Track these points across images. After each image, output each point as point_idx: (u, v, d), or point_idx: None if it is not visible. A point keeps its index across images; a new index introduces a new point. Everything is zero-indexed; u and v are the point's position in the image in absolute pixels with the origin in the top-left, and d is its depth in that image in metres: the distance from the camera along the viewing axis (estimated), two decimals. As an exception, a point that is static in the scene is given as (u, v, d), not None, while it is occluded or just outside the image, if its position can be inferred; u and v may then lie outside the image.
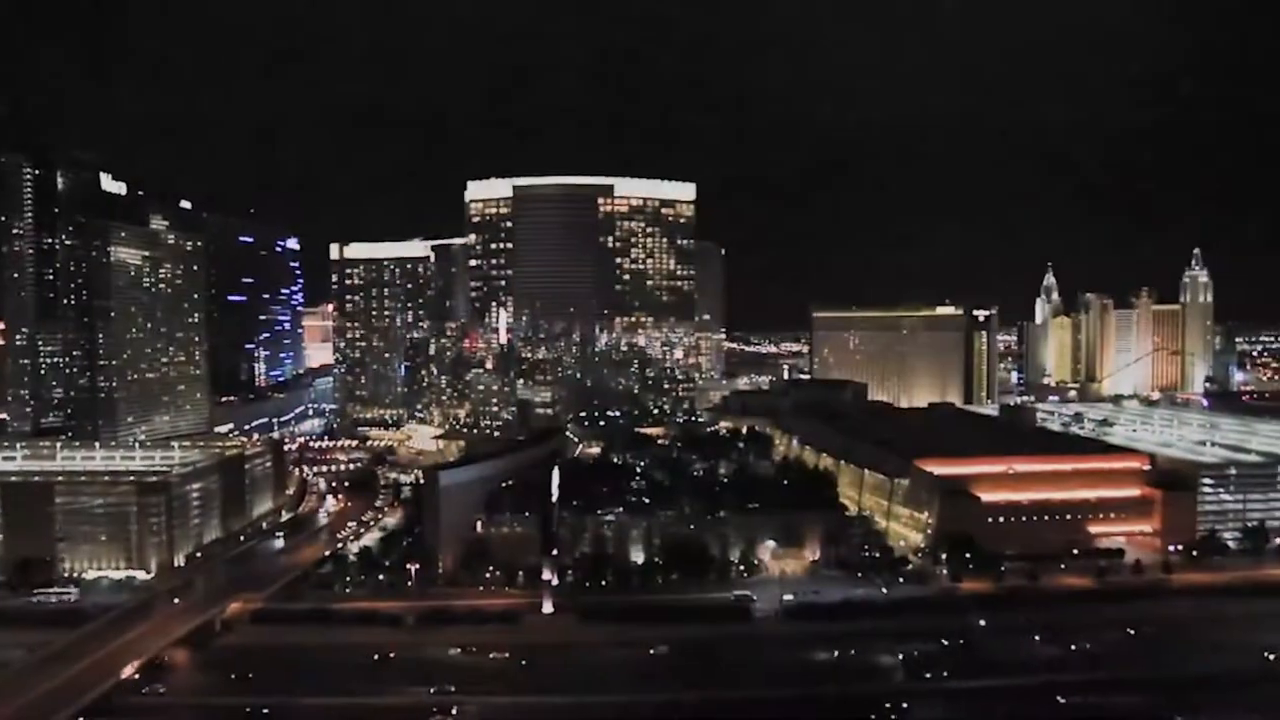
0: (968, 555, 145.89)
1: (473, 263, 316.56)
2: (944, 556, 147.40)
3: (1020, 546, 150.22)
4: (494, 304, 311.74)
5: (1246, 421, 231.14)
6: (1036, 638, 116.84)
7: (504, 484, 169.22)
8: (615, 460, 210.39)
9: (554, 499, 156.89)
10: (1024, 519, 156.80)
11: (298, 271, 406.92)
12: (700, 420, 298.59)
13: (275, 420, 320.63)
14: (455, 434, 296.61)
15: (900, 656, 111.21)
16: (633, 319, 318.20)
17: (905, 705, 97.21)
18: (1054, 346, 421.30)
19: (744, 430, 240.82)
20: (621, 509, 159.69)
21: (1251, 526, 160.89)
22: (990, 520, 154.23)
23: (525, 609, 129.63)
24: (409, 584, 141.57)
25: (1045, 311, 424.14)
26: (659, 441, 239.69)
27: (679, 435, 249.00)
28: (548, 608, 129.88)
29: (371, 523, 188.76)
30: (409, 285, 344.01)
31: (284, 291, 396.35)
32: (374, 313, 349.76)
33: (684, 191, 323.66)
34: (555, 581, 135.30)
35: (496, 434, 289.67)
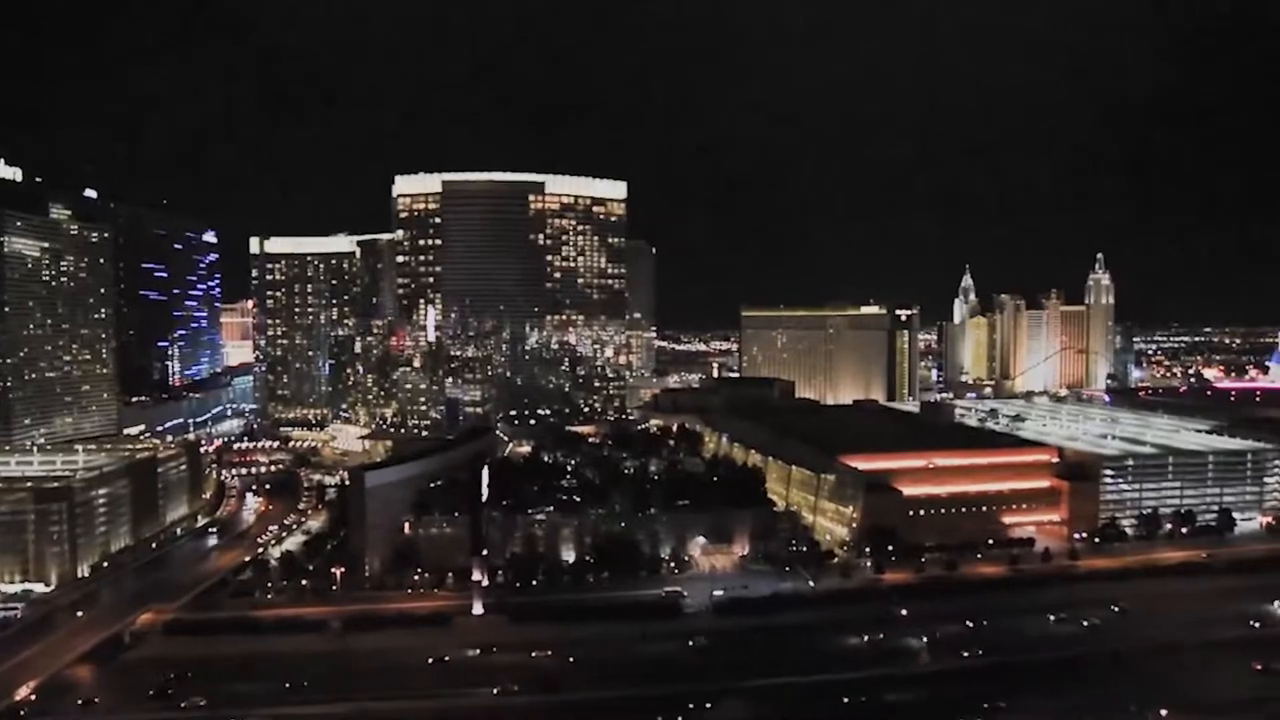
0: (890, 547, 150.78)
1: (400, 259, 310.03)
2: (868, 549, 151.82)
3: (939, 537, 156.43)
4: (422, 301, 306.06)
5: (1142, 416, 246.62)
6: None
7: (432, 484, 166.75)
8: (546, 459, 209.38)
9: (484, 499, 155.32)
10: (943, 511, 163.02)
11: (216, 266, 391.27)
12: (631, 418, 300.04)
13: (191, 421, 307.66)
14: (382, 434, 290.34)
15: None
16: (563, 317, 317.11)
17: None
18: (971, 345, 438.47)
19: (674, 428, 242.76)
20: (552, 508, 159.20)
21: (1146, 513, 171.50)
22: (911, 513, 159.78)
23: (455, 611, 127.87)
24: (334, 588, 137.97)
25: (963, 312, 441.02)
26: (590, 440, 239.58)
27: (610, 433, 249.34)
28: (478, 609, 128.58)
29: (294, 526, 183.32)
30: (333, 281, 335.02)
31: (200, 287, 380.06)
32: (297, 309, 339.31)
33: (615, 190, 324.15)
34: (485, 582, 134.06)
35: (425, 433, 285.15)
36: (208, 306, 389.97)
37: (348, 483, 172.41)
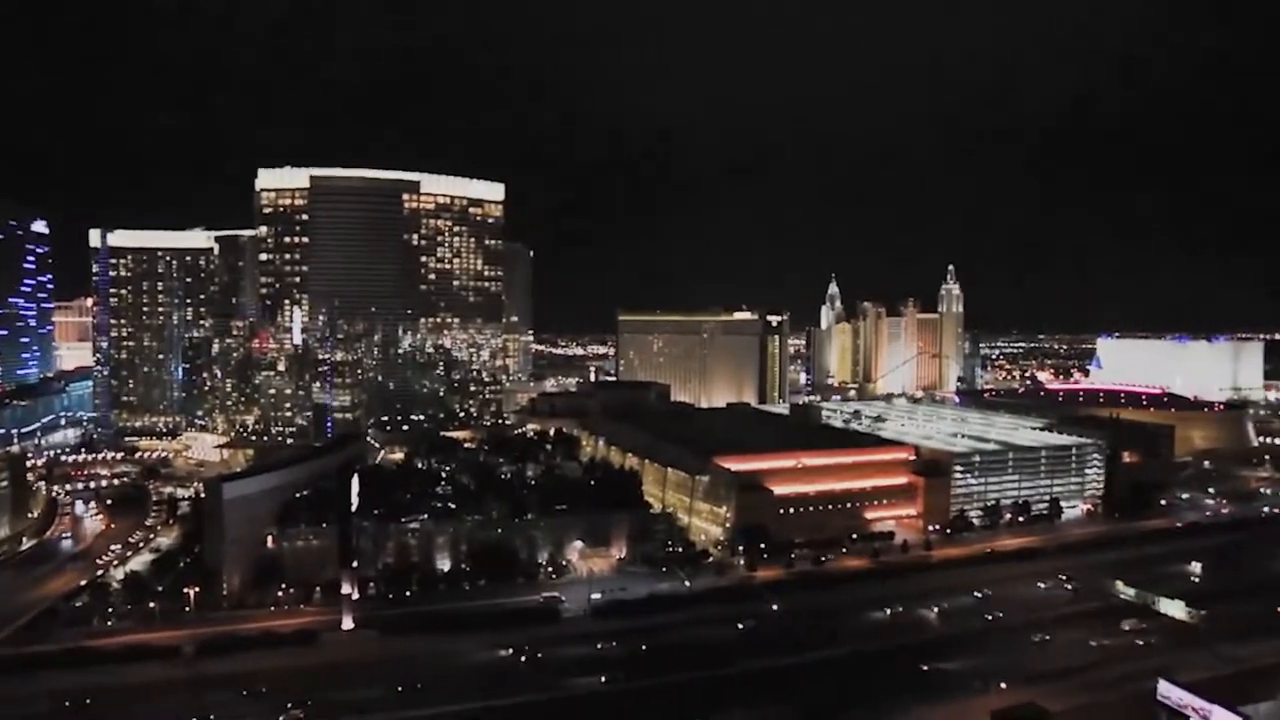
0: (762, 545, 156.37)
1: (264, 257, 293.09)
2: (741, 547, 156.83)
3: (808, 534, 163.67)
4: (287, 302, 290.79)
5: (987, 415, 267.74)
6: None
7: (298, 494, 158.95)
8: (420, 465, 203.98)
9: (354, 508, 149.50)
10: (811, 509, 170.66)
11: (47, 260, 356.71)
12: (508, 423, 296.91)
13: (15, 431, 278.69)
14: (242, 442, 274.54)
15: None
16: (438, 320, 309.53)
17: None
18: (837, 350, 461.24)
19: (552, 432, 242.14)
20: (426, 516, 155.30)
21: (990, 505, 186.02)
22: (782, 511, 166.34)
23: (323, 627, 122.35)
24: (187, 610, 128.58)
25: (830, 318, 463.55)
26: (465, 445, 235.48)
27: (486, 438, 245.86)
28: (348, 624, 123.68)
29: (141, 544, 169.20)
30: (188, 279, 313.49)
31: (28, 282, 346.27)
32: (145, 308, 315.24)
33: (493, 191, 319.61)
34: (356, 595, 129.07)
35: (290, 441, 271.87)
36: (36, 304, 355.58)
37: (203, 494, 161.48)
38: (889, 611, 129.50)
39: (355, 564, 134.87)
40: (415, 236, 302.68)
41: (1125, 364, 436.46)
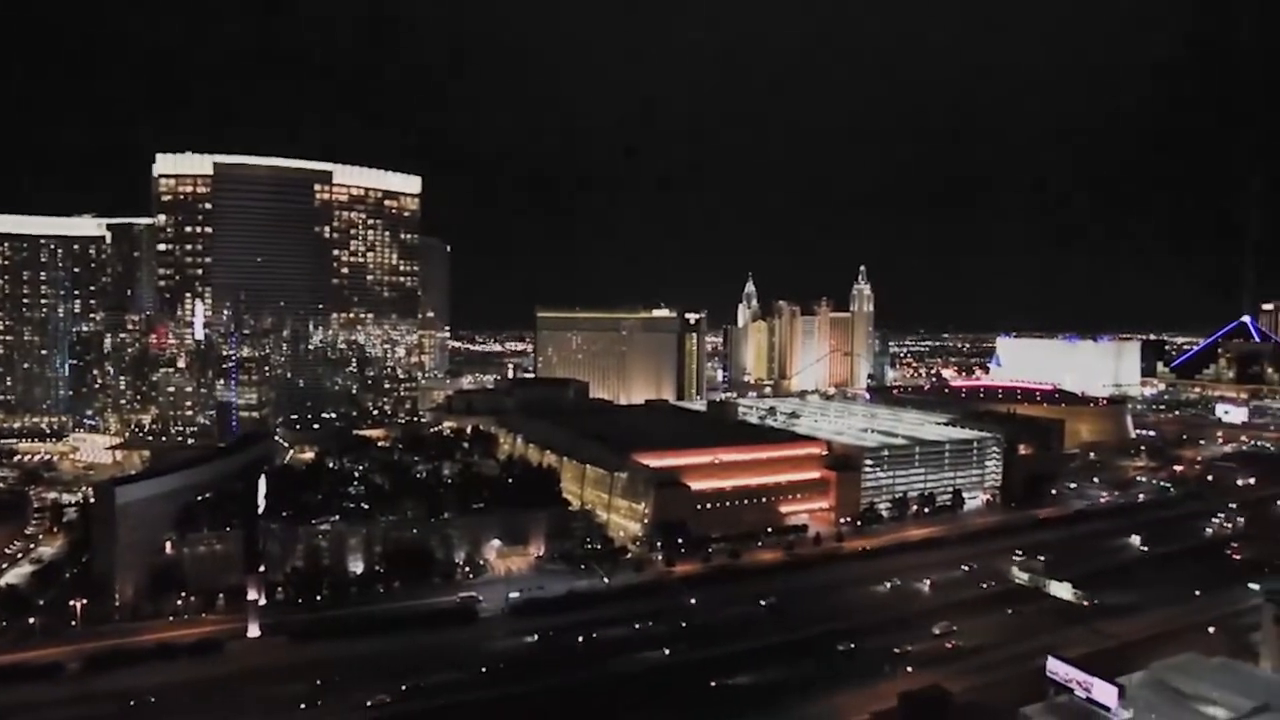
0: (680, 541, 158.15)
1: (162, 247, 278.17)
2: (659, 543, 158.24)
3: (725, 529, 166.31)
4: (189, 295, 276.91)
5: (895, 411, 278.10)
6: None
7: (200, 497, 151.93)
8: (331, 465, 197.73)
9: (261, 510, 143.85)
10: (727, 504, 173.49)
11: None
12: (423, 420, 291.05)
13: None
14: (138, 443, 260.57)
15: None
16: (351, 315, 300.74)
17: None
18: (753, 347, 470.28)
19: (469, 430, 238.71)
20: (338, 517, 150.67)
21: (898, 497, 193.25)
22: (699, 507, 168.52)
23: (228, 636, 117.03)
24: (74, 624, 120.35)
25: (746, 316, 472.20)
26: (379, 444, 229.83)
27: (401, 436, 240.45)
28: (254, 631, 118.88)
29: (20, 555, 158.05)
30: (76, 269, 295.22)
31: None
32: (25, 300, 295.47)
33: (409, 184, 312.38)
34: (263, 601, 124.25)
35: (191, 441, 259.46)
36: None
37: (93, 499, 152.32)
38: (801, 600, 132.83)
39: (262, 568, 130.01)
40: (328, 229, 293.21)
41: (1022, 362, 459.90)
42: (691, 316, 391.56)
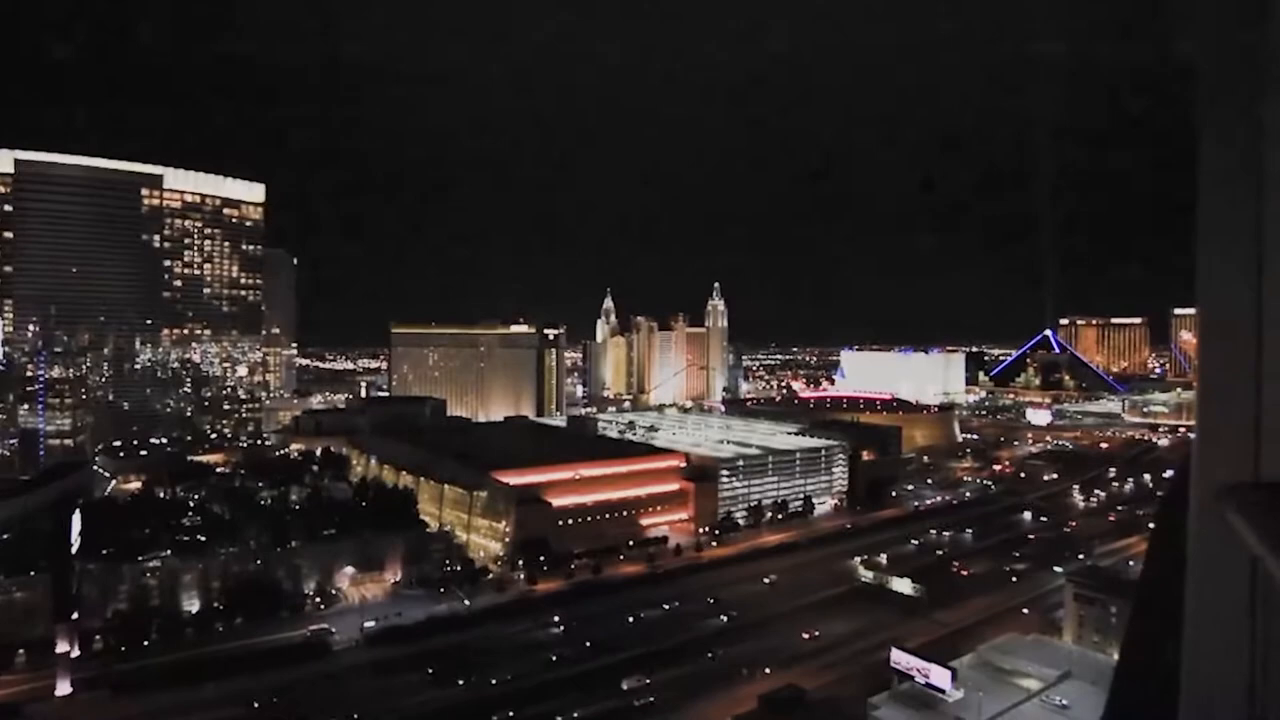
0: (542, 558, 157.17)
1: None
2: (520, 562, 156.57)
3: (587, 544, 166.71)
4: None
5: (749, 422, 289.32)
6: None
7: None
8: (162, 495, 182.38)
9: (74, 550, 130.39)
10: (589, 519, 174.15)
11: None
12: (268, 444, 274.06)
13: None
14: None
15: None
16: (185, 330, 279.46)
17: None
18: (612, 362, 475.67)
19: (318, 452, 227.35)
20: (169, 552, 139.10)
21: (753, 505, 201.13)
22: (561, 523, 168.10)
23: (31, 697, 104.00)
24: None
25: (605, 332, 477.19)
26: (218, 470, 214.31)
27: (243, 461, 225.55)
28: (64, 688, 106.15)
29: None
30: None
31: None
32: None
33: (251, 192, 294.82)
34: (77, 653, 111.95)
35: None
36: None
37: None
38: (664, 611, 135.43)
39: (75, 616, 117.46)
40: (157, 238, 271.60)
41: (864, 373, 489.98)
42: (550, 332, 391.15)
